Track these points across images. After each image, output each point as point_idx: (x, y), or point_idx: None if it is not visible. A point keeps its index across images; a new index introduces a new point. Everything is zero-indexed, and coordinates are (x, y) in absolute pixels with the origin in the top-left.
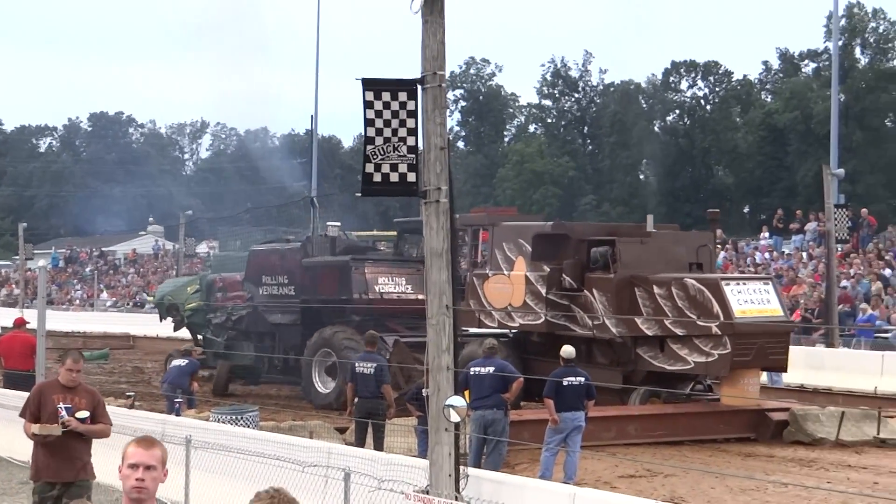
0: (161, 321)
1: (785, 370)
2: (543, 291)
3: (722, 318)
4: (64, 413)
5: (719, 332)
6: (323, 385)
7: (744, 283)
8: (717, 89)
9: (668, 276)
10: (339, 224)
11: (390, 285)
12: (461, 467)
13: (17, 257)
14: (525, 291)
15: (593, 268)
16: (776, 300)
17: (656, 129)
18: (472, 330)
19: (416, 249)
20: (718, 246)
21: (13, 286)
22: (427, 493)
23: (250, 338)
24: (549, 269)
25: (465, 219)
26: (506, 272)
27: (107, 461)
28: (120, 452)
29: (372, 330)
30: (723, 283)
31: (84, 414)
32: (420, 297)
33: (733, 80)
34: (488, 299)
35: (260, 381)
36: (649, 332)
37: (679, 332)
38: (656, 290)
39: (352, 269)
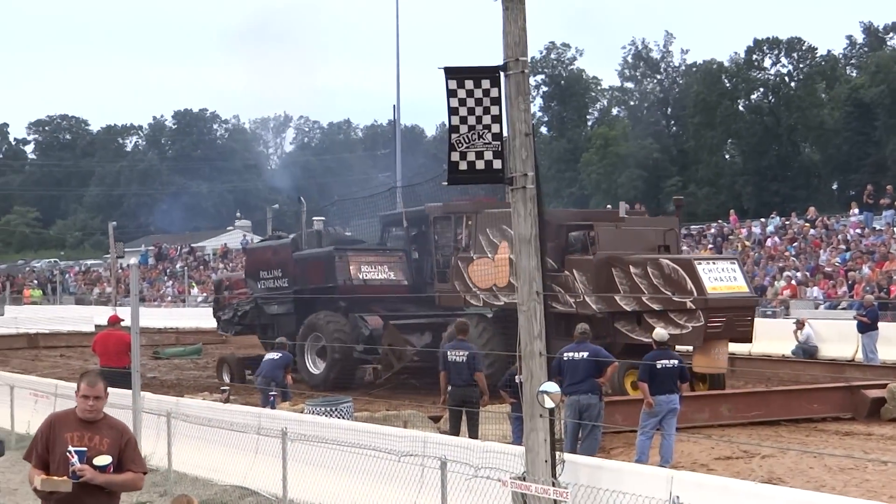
0: None
1: (750, 341)
2: None
3: (696, 294)
4: (75, 459)
5: (693, 307)
6: (314, 366)
7: (713, 262)
8: (801, 66)
9: (644, 256)
10: (323, 219)
11: (373, 272)
12: (557, 453)
13: (108, 256)
14: (510, 273)
15: (572, 250)
16: (742, 278)
17: (741, 108)
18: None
19: (388, 238)
20: (807, 224)
21: (105, 284)
22: (524, 479)
23: (255, 330)
24: None
25: (449, 206)
26: (490, 255)
27: (203, 450)
28: (226, 446)
29: (357, 312)
30: (695, 262)
31: (105, 460)
32: (404, 282)
33: (817, 55)
34: (473, 281)
35: None
36: (627, 308)
37: (656, 307)
38: (633, 269)
39: (335, 259)
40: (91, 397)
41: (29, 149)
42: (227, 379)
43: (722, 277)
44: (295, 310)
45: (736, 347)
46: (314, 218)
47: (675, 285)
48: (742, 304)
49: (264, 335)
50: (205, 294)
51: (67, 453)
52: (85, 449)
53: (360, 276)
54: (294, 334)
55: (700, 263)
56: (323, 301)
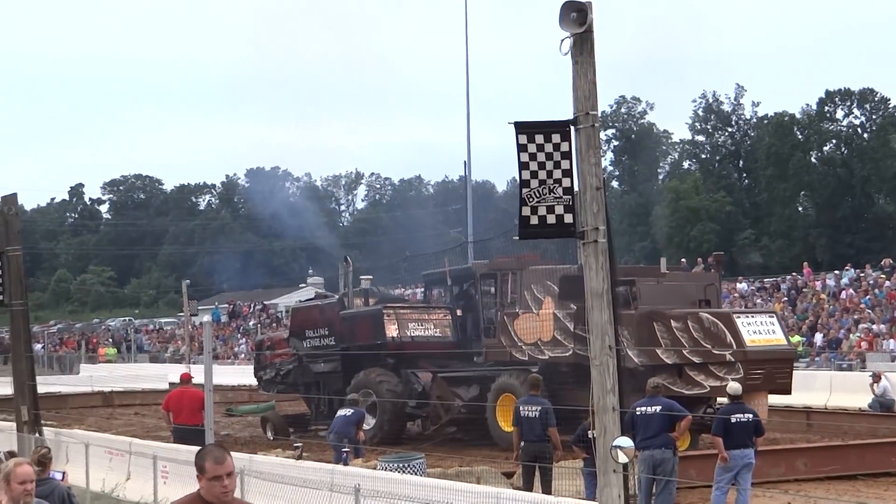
0: None
1: (789, 393)
2: (571, 327)
3: (735, 347)
4: None
5: (733, 360)
6: (365, 423)
7: (752, 316)
8: (874, 117)
9: (684, 310)
10: (371, 278)
11: (420, 329)
12: None
13: (182, 314)
14: (554, 327)
15: (614, 305)
16: (780, 331)
17: (813, 159)
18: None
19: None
20: (883, 276)
21: (179, 342)
22: None
23: (298, 389)
24: (575, 307)
25: (495, 264)
26: (535, 310)
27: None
28: (300, 502)
29: (404, 368)
30: (734, 315)
31: None
32: (450, 339)
33: (890, 106)
34: (518, 335)
35: (309, 428)
36: (668, 361)
37: (696, 360)
38: (674, 323)
39: (384, 317)
40: (223, 476)
41: (104, 209)
42: (270, 437)
43: (761, 330)
44: (342, 367)
45: (812, 401)
46: (361, 277)
47: (715, 338)
48: (781, 356)
49: (308, 393)
50: None
51: None
52: None
53: (409, 334)
54: (341, 392)
55: (739, 317)
56: (369, 358)
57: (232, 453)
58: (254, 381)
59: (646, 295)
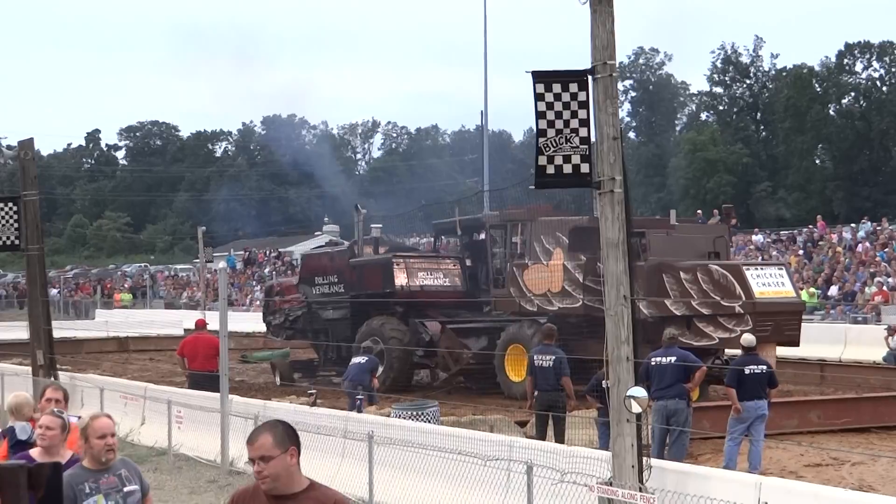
0: None
1: (797, 344)
2: (581, 278)
3: (744, 299)
4: None
5: (742, 311)
6: None
7: (761, 269)
8: (893, 69)
9: (694, 262)
10: (380, 226)
11: (429, 279)
12: (644, 458)
13: (198, 260)
14: (563, 279)
15: None
16: (789, 283)
17: (831, 112)
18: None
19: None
20: (893, 228)
21: (194, 289)
22: (611, 484)
23: (307, 335)
24: (585, 259)
25: (505, 215)
26: (544, 262)
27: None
28: (313, 449)
29: (412, 317)
30: (744, 268)
31: None
32: (459, 288)
33: None
34: (528, 286)
35: (317, 374)
36: (678, 313)
37: (705, 311)
38: (683, 275)
39: (393, 265)
40: (255, 460)
41: (120, 155)
42: (277, 381)
43: (770, 283)
44: (351, 315)
45: (826, 353)
46: (372, 225)
47: (724, 290)
48: (789, 308)
49: (316, 339)
50: None
51: None
52: None
53: (418, 283)
54: (350, 339)
55: (748, 269)
56: (378, 306)
57: (246, 399)
58: None
59: (656, 247)
